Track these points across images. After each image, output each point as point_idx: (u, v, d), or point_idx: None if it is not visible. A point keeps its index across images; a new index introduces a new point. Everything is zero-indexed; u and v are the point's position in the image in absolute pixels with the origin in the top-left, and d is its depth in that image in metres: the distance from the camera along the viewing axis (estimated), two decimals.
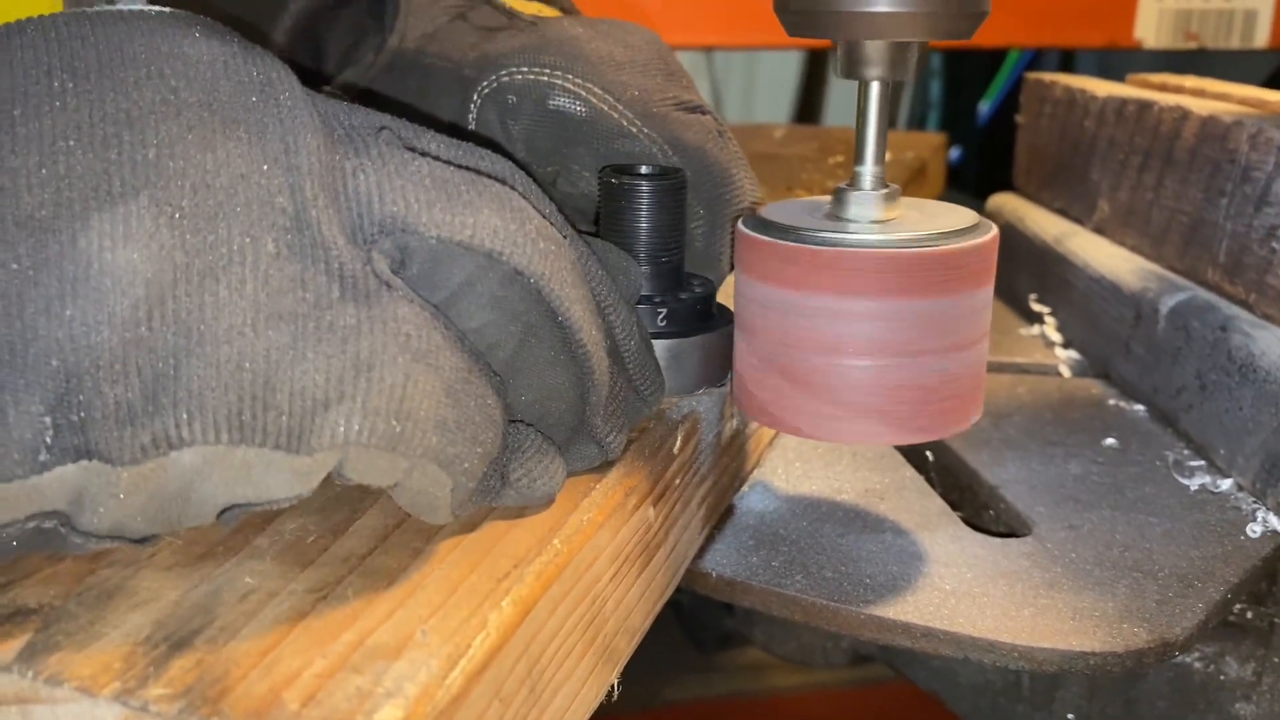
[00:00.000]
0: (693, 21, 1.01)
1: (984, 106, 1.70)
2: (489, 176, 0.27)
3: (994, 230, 0.34)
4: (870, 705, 0.88)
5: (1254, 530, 0.41)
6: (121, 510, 0.23)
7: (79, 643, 0.23)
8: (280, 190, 0.24)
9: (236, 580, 0.25)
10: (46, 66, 0.25)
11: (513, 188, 0.27)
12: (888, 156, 0.35)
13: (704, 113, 0.39)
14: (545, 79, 0.38)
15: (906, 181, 0.79)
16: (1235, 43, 1.08)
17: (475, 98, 0.39)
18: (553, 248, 0.27)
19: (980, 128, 1.72)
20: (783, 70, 1.55)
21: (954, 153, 1.73)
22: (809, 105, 1.50)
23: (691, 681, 0.95)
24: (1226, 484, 0.44)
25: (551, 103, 0.37)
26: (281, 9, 0.46)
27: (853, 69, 0.33)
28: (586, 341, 0.28)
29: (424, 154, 0.27)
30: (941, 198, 0.98)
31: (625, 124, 0.37)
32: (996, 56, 1.52)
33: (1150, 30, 1.07)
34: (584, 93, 0.37)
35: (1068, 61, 1.57)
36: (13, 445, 0.21)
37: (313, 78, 0.47)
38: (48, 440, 0.22)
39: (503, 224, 0.26)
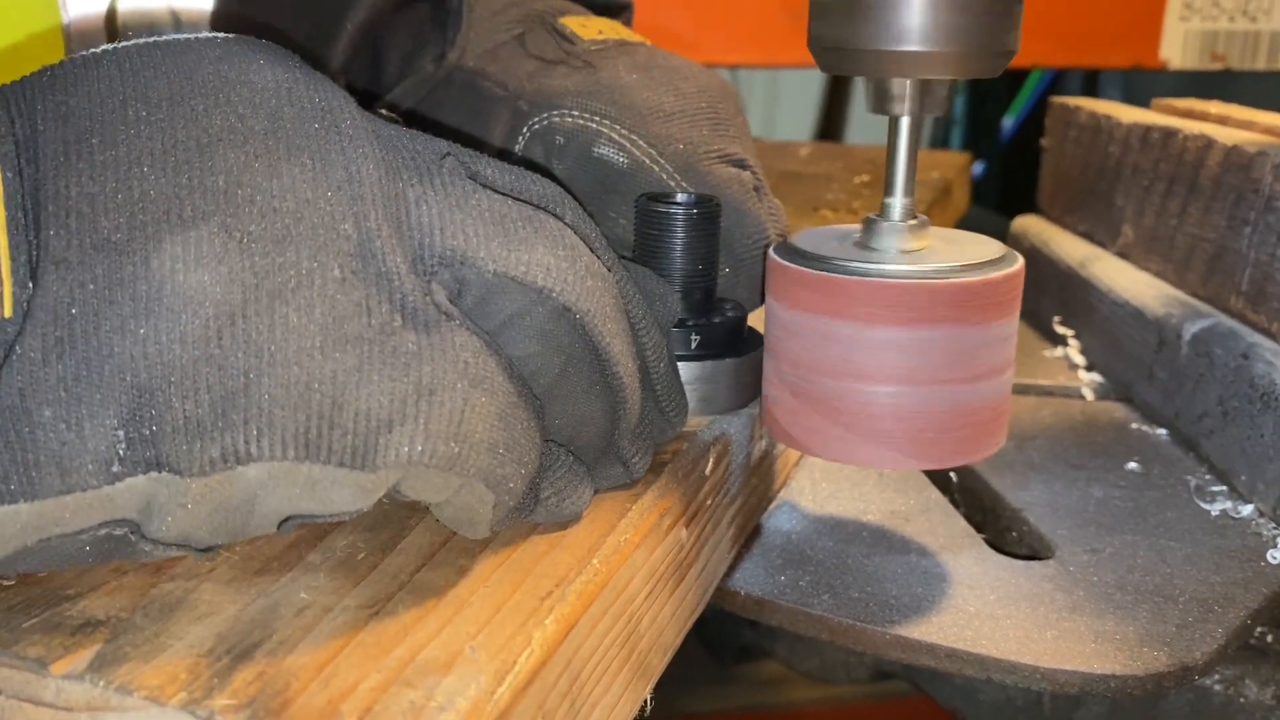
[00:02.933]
0: (721, 42, 1.02)
1: (1008, 122, 1.70)
2: (542, 207, 0.28)
3: (1020, 262, 0.35)
4: (888, 718, 0.88)
5: (1274, 557, 0.41)
6: (189, 520, 0.24)
7: (145, 654, 0.24)
8: (344, 218, 0.26)
9: (292, 595, 0.26)
10: (122, 96, 0.26)
11: (563, 219, 0.29)
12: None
13: (745, 166, 0.40)
14: (593, 126, 0.39)
15: (932, 202, 0.79)
16: (1262, 64, 1.08)
17: (525, 131, 0.41)
18: (599, 284, 0.28)
19: (1004, 143, 1.72)
20: (806, 87, 1.56)
21: (977, 168, 1.73)
22: (832, 121, 1.51)
23: (711, 693, 0.96)
24: (1247, 510, 0.45)
25: (596, 151, 0.38)
26: (343, 18, 0.47)
27: (882, 105, 0.34)
28: (623, 374, 0.29)
29: (483, 182, 0.28)
30: (966, 214, 0.98)
31: (665, 177, 0.38)
32: (1020, 72, 1.53)
33: (1176, 51, 1.07)
34: (628, 144, 0.38)
35: (1091, 78, 1.58)
36: (88, 457, 0.23)
37: (370, 89, 0.48)
38: (120, 452, 0.23)
39: (555, 261, 0.27)
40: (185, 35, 0.29)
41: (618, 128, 0.38)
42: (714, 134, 0.39)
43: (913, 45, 0.32)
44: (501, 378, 0.26)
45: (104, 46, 0.29)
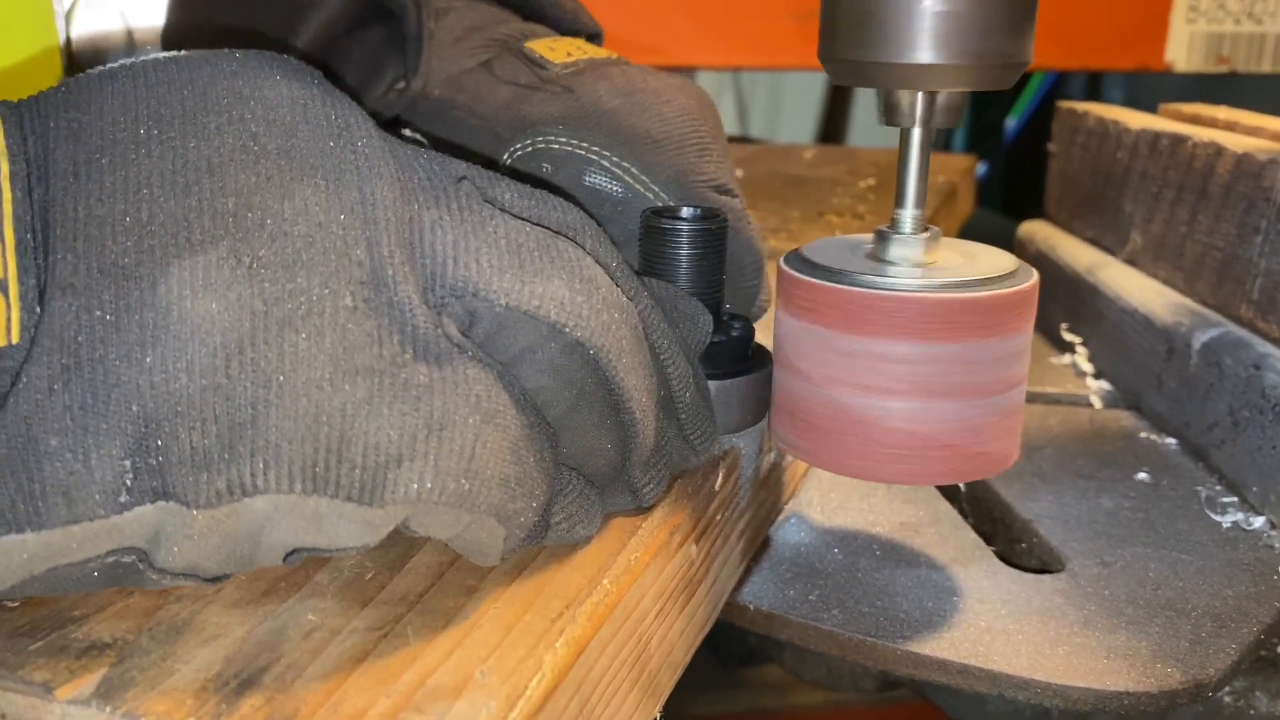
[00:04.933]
0: (722, 44, 1.02)
1: (1011, 122, 1.70)
2: (561, 232, 0.28)
3: (1034, 276, 0.35)
4: None
5: None
6: (195, 551, 0.23)
7: (152, 679, 0.24)
8: (357, 243, 0.25)
9: (300, 617, 0.26)
10: (135, 114, 0.26)
11: (582, 245, 0.28)
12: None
13: (734, 194, 0.39)
14: (583, 154, 0.38)
15: (937, 206, 0.79)
16: (1267, 66, 1.08)
17: (507, 158, 0.40)
18: (616, 317, 0.28)
19: (1007, 144, 1.72)
20: (808, 89, 1.56)
21: (981, 169, 1.73)
22: (835, 124, 1.51)
23: (716, 697, 0.95)
24: (1259, 522, 0.44)
25: (588, 180, 0.38)
26: (296, 30, 0.46)
27: (893, 117, 0.34)
28: (635, 409, 0.28)
29: (501, 206, 0.28)
30: (970, 216, 0.98)
31: (659, 205, 0.37)
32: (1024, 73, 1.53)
33: (1181, 53, 1.07)
34: (621, 172, 0.38)
35: (1094, 80, 1.57)
36: (94, 487, 0.22)
37: None
38: (128, 483, 0.22)
39: (570, 295, 0.26)
40: (203, 52, 0.28)
41: (609, 155, 0.38)
42: (700, 159, 0.39)
43: (924, 58, 0.32)
44: (514, 411, 0.26)
45: (121, 62, 0.28)
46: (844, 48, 0.33)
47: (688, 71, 1.52)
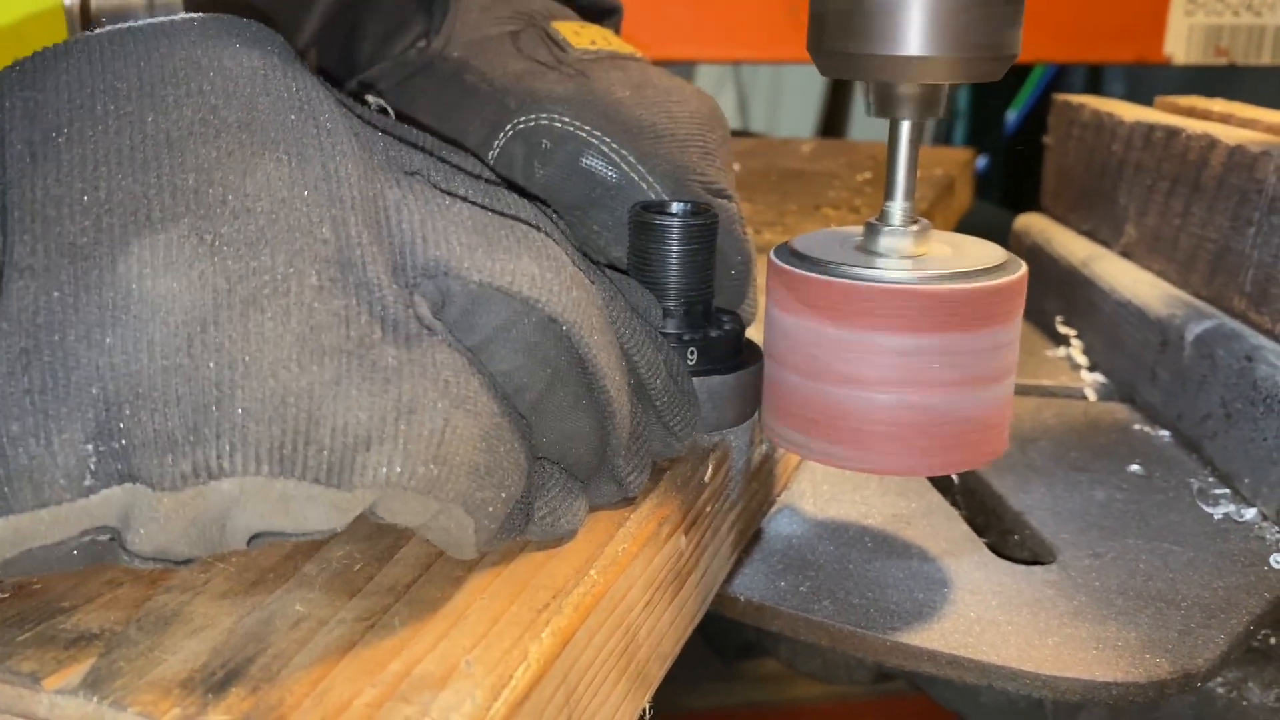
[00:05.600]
0: (722, 36, 1.02)
1: (1011, 115, 1.70)
2: (521, 220, 0.28)
3: (1023, 268, 0.35)
4: (891, 718, 0.88)
5: (1277, 561, 0.41)
6: (163, 533, 0.23)
7: (140, 669, 0.24)
8: (322, 220, 0.25)
9: (288, 608, 0.26)
10: (90, 89, 0.26)
11: (545, 231, 0.28)
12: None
13: (730, 199, 0.39)
14: (582, 135, 0.38)
15: (935, 199, 0.79)
16: (1266, 59, 1.07)
17: (508, 128, 0.40)
18: (584, 296, 0.27)
19: (1007, 137, 1.72)
20: (809, 82, 1.55)
21: (981, 161, 1.72)
22: (835, 117, 1.51)
23: (713, 690, 0.96)
24: (1250, 513, 0.44)
25: (584, 161, 0.38)
26: None
27: (883, 109, 0.34)
28: (610, 388, 0.28)
29: (457, 197, 0.28)
30: (969, 209, 0.98)
31: (653, 197, 0.37)
32: (1024, 66, 1.52)
33: (1180, 46, 1.07)
34: (618, 158, 0.38)
35: (1095, 72, 1.57)
36: (58, 472, 0.22)
37: (342, 67, 0.47)
38: (91, 466, 0.22)
39: (540, 272, 0.26)
40: (160, 19, 0.28)
41: (608, 140, 0.38)
42: (701, 160, 0.39)
43: (913, 50, 0.32)
44: (485, 397, 0.25)
45: (76, 36, 0.28)
46: (833, 39, 0.33)
47: (687, 65, 1.51)
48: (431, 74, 0.43)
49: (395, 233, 0.26)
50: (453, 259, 0.26)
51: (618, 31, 0.52)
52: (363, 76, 0.45)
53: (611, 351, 0.28)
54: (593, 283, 0.29)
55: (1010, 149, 1.68)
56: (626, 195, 0.38)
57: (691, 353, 0.35)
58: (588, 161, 0.38)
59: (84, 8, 0.49)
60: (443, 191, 0.27)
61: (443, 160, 0.30)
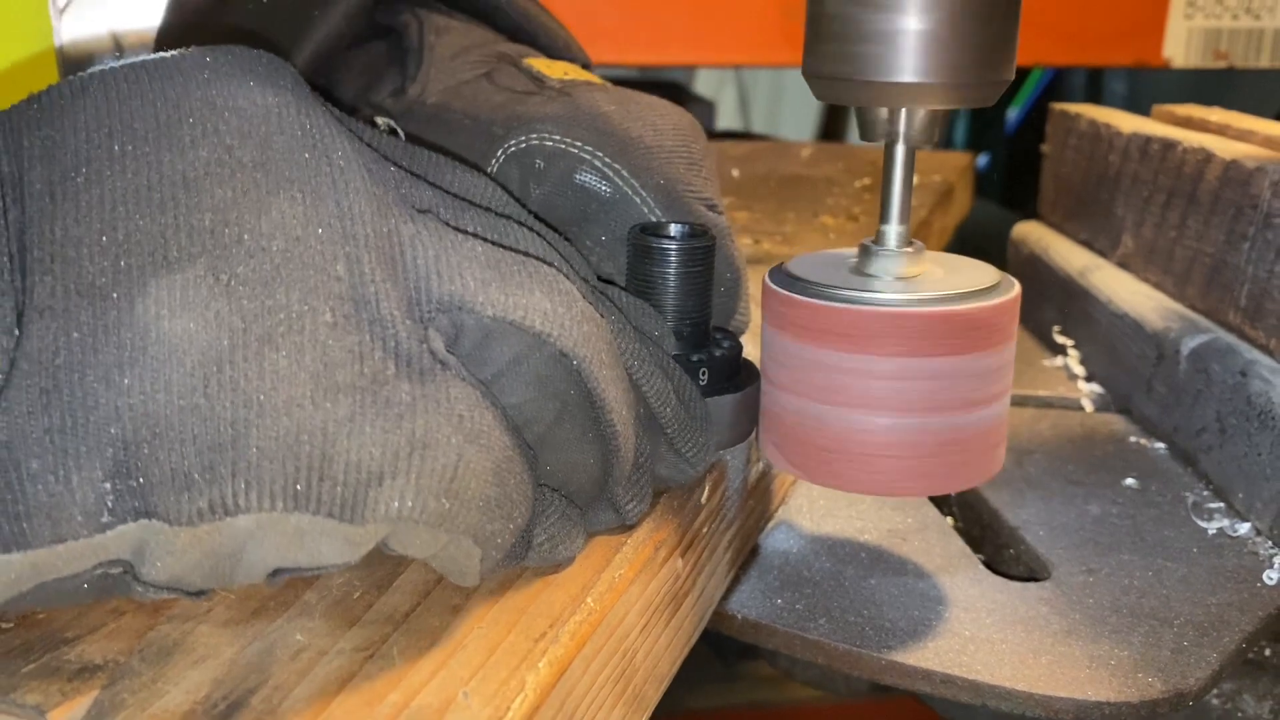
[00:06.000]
0: (721, 42, 1.02)
1: (1012, 113, 1.70)
2: (531, 255, 0.28)
3: (1016, 289, 0.35)
4: (889, 718, 0.89)
5: (1270, 577, 0.41)
6: (178, 565, 0.24)
7: (143, 701, 0.24)
8: (336, 258, 0.25)
9: (288, 637, 0.26)
10: (108, 129, 0.26)
11: (556, 266, 0.28)
12: (914, 180, 0.36)
13: (719, 211, 0.40)
14: (575, 151, 0.38)
15: (934, 206, 0.79)
16: (1265, 61, 1.08)
17: (500, 153, 0.40)
18: (595, 330, 0.28)
19: (1008, 135, 1.72)
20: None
21: (981, 160, 1.73)
22: (834, 120, 1.51)
23: (713, 691, 0.96)
24: (1245, 528, 0.45)
25: (578, 177, 0.38)
26: (296, 47, 0.47)
27: (876, 134, 0.34)
28: (616, 421, 0.28)
29: (467, 232, 0.28)
30: (970, 210, 0.98)
31: (646, 211, 0.38)
32: (1022, 67, 1.52)
33: (1179, 49, 1.07)
34: (611, 173, 0.38)
35: (1095, 72, 1.57)
36: (76, 508, 0.22)
37: None
38: (109, 503, 0.23)
39: (552, 306, 0.27)
40: (174, 54, 0.28)
41: (600, 155, 0.38)
42: (689, 172, 0.39)
43: (906, 77, 0.32)
44: (498, 431, 0.26)
45: (93, 70, 0.28)
46: (827, 65, 0.33)
47: (687, 70, 1.51)
48: (410, 119, 0.44)
49: (410, 268, 0.26)
50: (466, 293, 0.26)
51: None
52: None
53: (620, 385, 0.29)
54: (603, 315, 0.29)
55: (1011, 148, 1.68)
56: (620, 210, 0.38)
57: (703, 373, 0.35)
58: (581, 177, 0.39)
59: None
60: (454, 228, 0.28)
61: (453, 195, 0.30)
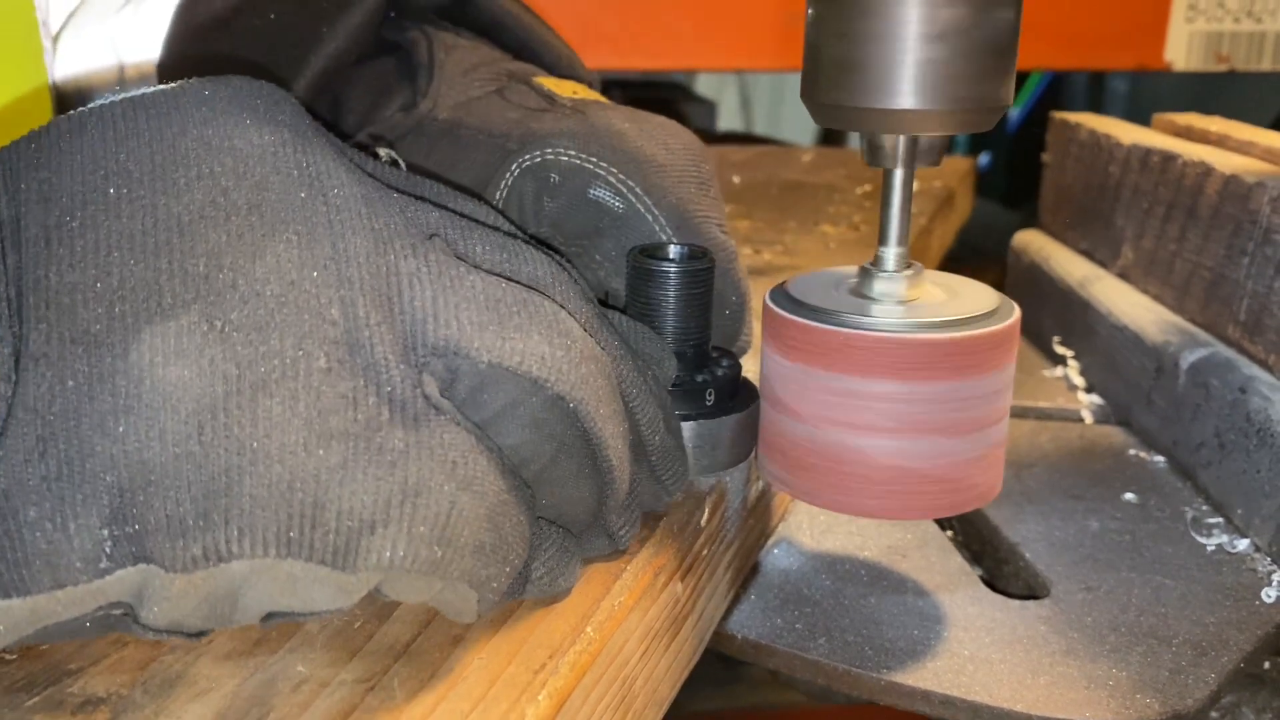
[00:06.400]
0: (723, 47, 1.02)
1: (1013, 113, 1.70)
2: (533, 286, 0.28)
3: (1016, 313, 0.35)
4: None
5: (1269, 595, 0.41)
6: (176, 610, 0.24)
7: None
8: (331, 302, 0.25)
9: (290, 669, 0.27)
10: (104, 171, 0.26)
11: (555, 299, 0.28)
12: (915, 186, 0.36)
13: (725, 232, 0.40)
14: (590, 167, 0.38)
15: (934, 212, 0.79)
16: (1266, 65, 1.07)
17: (514, 167, 0.40)
18: (593, 369, 0.28)
19: (1010, 134, 1.72)
20: None
21: (983, 159, 1.73)
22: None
23: (714, 693, 0.96)
24: (1244, 544, 0.45)
25: (592, 193, 0.38)
26: (303, 65, 0.47)
27: (876, 159, 0.35)
28: (613, 458, 0.28)
29: (474, 262, 0.28)
30: (972, 209, 0.98)
31: (658, 229, 0.38)
32: (1023, 71, 1.52)
33: (1180, 53, 1.07)
34: (625, 190, 0.38)
35: (1097, 75, 1.57)
36: (75, 555, 0.23)
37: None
38: (107, 550, 0.23)
39: (550, 350, 0.27)
40: (172, 87, 0.28)
41: (615, 171, 0.38)
42: (699, 193, 0.39)
43: (906, 104, 0.32)
44: (492, 476, 0.26)
45: (92, 106, 0.28)
46: (826, 92, 0.34)
47: (688, 74, 1.51)
48: (421, 134, 0.44)
49: (406, 310, 0.26)
50: (463, 338, 0.26)
51: None
52: (351, 142, 0.46)
53: (617, 421, 0.29)
54: (603, 346, 0.29)
55: (1012, 147, 1.68)
56: (632, 226, 0.39)
57: (710, 394, 0.35)
58: (595, 192, 0.39)
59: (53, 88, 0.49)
60: (459, 257, 0.28)
61: (460, 215, 0.30)
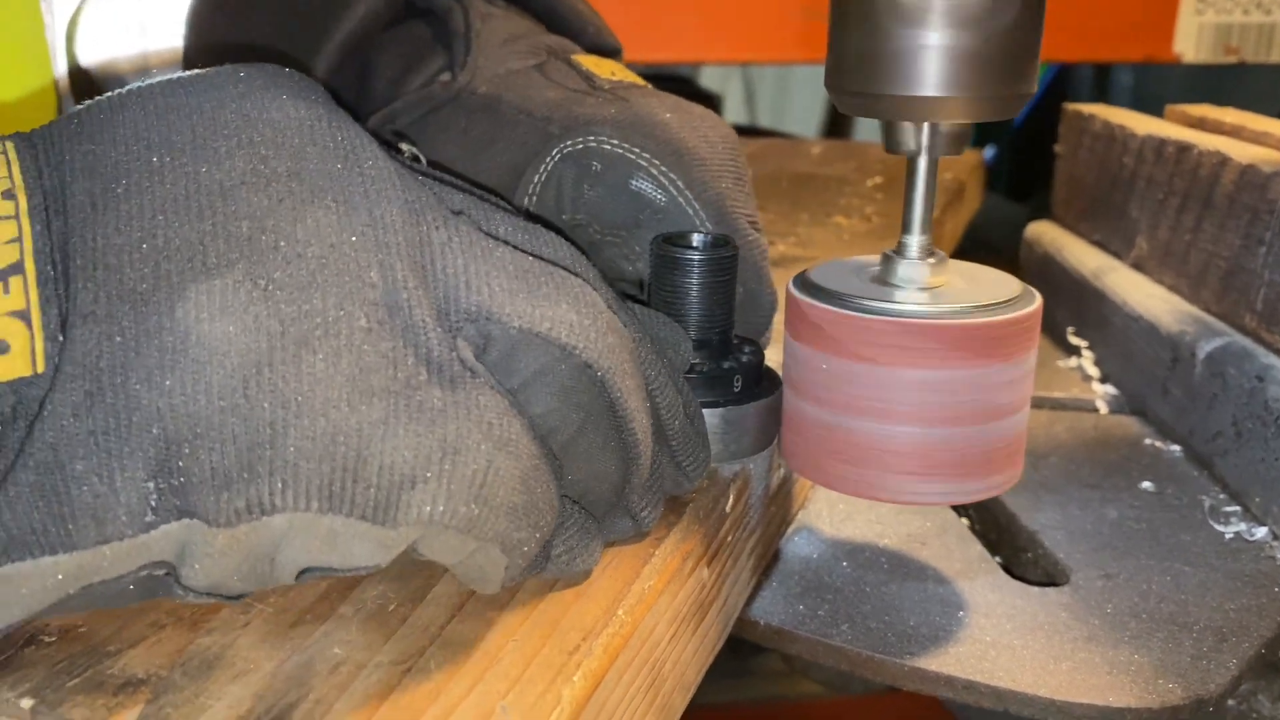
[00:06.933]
0: (729, 39, 1.02)
1: None
2: (558, 265, 0.29)
3: (1038, 300, 0.35)
4: (901, 712, 0.89)
5: None
6: (217, 568, 0.24)
7: (186, 715, 0.25)
8: (370, 265, 0.26)
9: (326, 650, 0.27)
10: (147, 142, 0.27)
11: (581, 277, 0.29)
12: None
13: (760, 230, 0.40)
14: (633, 158, 0.39)
15: (945, 204, 0.79)
16: (1276, 56, 1.07)
17: (555, 153, 0.40)
18: (618, 342, 0.28)
19: (1015, 127, 1.72)
20: (816, 81, 1.55)
21: (989, 152, 1.73)
22: (842, 116, 1.51)
23: (726, 686, 0.97)
24: (1261, 532, 0.45)
25: (634, 184, 0.38)
26: (331, 31, 0.47)
27: (900, 146, 0.35)
28: (637, 430, 0.29)
29: (497, 238, 0.28)
30: (980, 204, 0.98)
31: (698, 222, 0.38)
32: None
33: (1190, 44, 1.07)
34: (667, 182, 0.38)
35: (1103, 66, 1.57)
36: (121, 509, 0.23)
37: (358, 104, 0.48)
38: (152, 503, 0.23)
39: (578, 319, 0.27)
40: (208, 70, 0.29)
41: (658, 163, 0.39)
42: (736, 188, 0.39)
43: (930, 91, 0.32)
44: (526, 439, 0.26)
45: (130, 87, 0.29)
46: (851, 80, 0.34)
47: (694, 67, 1.51)
48: (459, 107, 0.44)
49: (440, 277, 0.27)
50: (494, 304, 0.27)
51: None
52: (383, 112, 0.45)
53: (640, 395, 0.29)
54: (625, 326, 0.30)
55: (1018, 140, 1.68)
56: (673, 219, 0.39)
57: (737, 380, 0.35)
58: (637, 184, 0.39)
59: (75, 76, 0.49)
60: (485, 233, 0.28)
61: (483, 199, 0.30)
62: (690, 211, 0.38)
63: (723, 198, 0.38)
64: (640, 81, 0.44)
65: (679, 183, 0.38)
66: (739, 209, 0.39)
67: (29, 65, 0.49)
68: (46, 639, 0.27)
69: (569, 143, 0.40)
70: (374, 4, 0.47)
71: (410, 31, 0.49)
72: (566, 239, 0.31)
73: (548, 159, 0.40)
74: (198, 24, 0.49)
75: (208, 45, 0.48)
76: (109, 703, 0.25)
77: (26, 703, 0.25)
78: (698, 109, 0.41)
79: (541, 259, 0.29)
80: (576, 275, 0.29)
